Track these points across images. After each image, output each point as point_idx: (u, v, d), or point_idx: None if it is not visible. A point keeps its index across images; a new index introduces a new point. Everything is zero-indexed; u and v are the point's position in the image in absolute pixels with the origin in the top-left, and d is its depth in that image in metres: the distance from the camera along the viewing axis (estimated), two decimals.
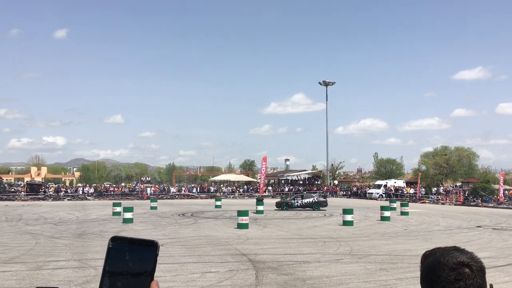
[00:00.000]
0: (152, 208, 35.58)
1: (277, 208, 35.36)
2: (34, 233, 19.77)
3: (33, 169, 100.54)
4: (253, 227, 22.33)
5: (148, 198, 52.08)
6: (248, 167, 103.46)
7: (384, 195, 57.77)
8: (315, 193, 45.13)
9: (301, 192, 51.21)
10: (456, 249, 1.43)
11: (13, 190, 56.66)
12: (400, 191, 58.51)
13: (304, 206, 35.31)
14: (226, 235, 19.28)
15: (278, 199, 43.98)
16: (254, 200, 39.25)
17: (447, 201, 50.30)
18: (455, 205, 47.14)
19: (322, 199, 37.16)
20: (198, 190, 65.03)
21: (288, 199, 39.24)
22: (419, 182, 57.11)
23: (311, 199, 36.02)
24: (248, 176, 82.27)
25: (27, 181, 68.21)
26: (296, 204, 35.57)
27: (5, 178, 73.65)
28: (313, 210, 34.64)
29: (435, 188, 58.05)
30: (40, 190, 56.71)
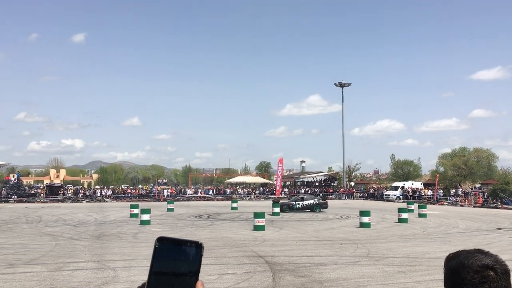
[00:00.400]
0: (169, 210, 35.82)
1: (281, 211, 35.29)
2: (53, 234, 20.08)
3: (52, 172, 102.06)
4: (269, 229, 22.34)
5: (164, 200, 52.44)
6: (263, 169, 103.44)
7: (401, 197, 57.21)
8: (316, 195, 45.06)
9: (301, 194, 51.45)
10: (480, 251, 1.44)
11: (33, 192, 57.56)
12: (417, 193, 57.87)
13: (304, 208, 35.55)
14: (242, 237, 19.32)
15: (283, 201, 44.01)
16: (270, 202, 39.30)
17: (466, 203, 49.58)
18: (474, 207, 46.46)
19: (322, 201, 37.54)
20: (214, 192, 65.25)
21: (289, 201, 39.18)
22: (437, 184, 56.42)
23: (311, 201, 36.29)
24: (264, 178, 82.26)
25: (46, 183, 69.29)
26: (297, 206, 35.66)
27: (25, 181, 74.90)
28: (313, 212, 34.85)
29: (454, 190, 57.28)
30: (59, 192, 57.55)
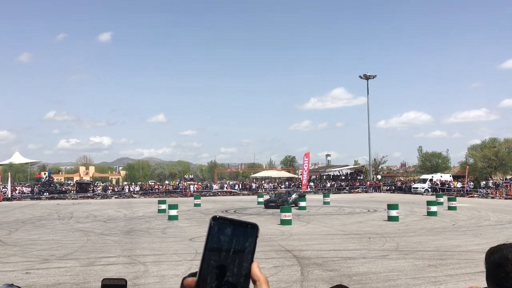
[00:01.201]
0: (196, 205, 36.18)
1: (265, 208, 33.33)
2: (85, 230, 20.54)
3: (82, 169, 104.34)
4: (296, 223, 22.32)
5: (191, 195, 52.99)
6: (289, 163, 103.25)
7: (430, 189, 56.26)
8: (294, 191, 43.57)
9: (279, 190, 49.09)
10: None
11: (63, 189, 58.98)
12: (446, 185, 56.82)
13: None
14: (269, 231, 19.35)
15: (321, 195, 43.24)
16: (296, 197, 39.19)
17: (497, 195, 48.44)
18: (505, 199, 45.35)
19: (299, 195, 36.81)
20: (240, 187, 65.53)
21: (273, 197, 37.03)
22: (467, 176, 55.26)
23: (292, 196, 35.34)
24: (289, 172, 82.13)
25: (76, 180, 70.91)
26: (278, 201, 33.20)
27: (55, 178, 76.79)
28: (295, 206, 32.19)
29: (484, 182, 56.03)
30: (89, 188, 58.84)
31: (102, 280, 1.52)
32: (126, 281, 1.53)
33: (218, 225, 0.96)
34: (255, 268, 0.96)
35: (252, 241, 0.95)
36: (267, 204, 33.92)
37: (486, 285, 1.49)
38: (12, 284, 1.66)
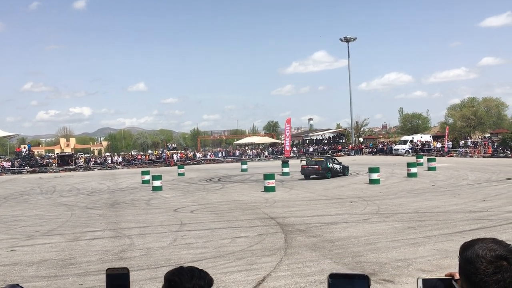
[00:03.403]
0: (179, 174, 36.28)
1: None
2: (68, 204, 20.51)
3: (62, 141, 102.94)
4: (279, 189, 22.60)
5: (175, 164, 53.00)
6: (272, 129, 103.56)
7: (410, 150, 57.22)
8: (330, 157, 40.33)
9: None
10: (494, 241, 1.48)
11: (45, 162, 58.37)
12: (427, 146, 57.82)
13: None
14: (253, 199, 19.59)
15: (304, 161, 42.98)
16: (280, 162, 39.52)
17: (476, 153, 49.56)
18: (483, 157, 46.46)
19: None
20: (224, 154, 65.70)
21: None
22: (447, 136, 56.19)
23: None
24: (272, 137, 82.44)
25: (57, 153, 70.08)
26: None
27: (36, 151, 75.84)
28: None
29: (463, 141, 57.14)
30: (71, 161, 58.31)
31: (107, 270, 1.61)
32: (128, 269, 1.61)
33: (336, 281, 1.13)
34: None
35: None
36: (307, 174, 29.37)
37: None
38: (17, 284, 1.69)
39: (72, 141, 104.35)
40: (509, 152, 46.66)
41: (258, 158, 63.01)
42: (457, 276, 1.65)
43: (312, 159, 32.33)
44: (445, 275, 1.69)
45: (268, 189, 21.86)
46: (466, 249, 1.49)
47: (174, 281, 1.62)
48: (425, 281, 1.65)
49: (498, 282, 1.39)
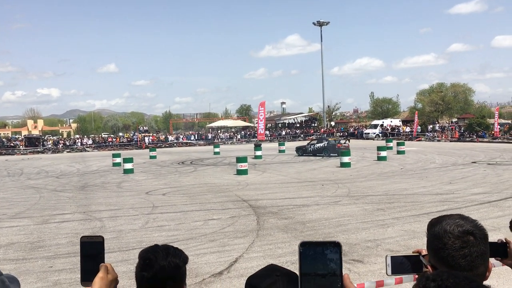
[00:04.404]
0: (151, 157, 35.92)
1: (296, 154, 33.66)
2: (37, 187, 20.08)
3: (30, 122, 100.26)
4: (252, 172, 22.69)
5: (146, 147, 52.41)
6: (244, 112, 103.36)
7: (380, 134, 58.20)
8: (329, 137, 41.72)
9: (319, 137, 47.11)
10: (461, 217, 1.53)
11: (11, 144, 56.79)
12: (396, 130, 58.91)
13: (316, 152, 32.82)
14: (226, 181, 19.62)
15: (277, 143, 43.30)
16: (252, 145, 39.59)
17: (443, 138, 50.80)
18: (450, 141, 47.69)
19: (334, 142, 33.02)
20: (196, 137, 65.34)
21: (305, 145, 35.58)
22: (416, 120, 57.31)
23: (321, 144, 33.05)
24: (245, 121, 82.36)
25: (24, 135, 68.22)
26: (309, 149, 33.51)
27: (2, 132, 73.67)
28: (322, 156, 31.79)
29: (431, 126, 58.42)
30: (39, 143, 56.89)
31: (81, 238, 1.57)
32: (103, 238, 1.58)
33: (307, 250, 1.12)
34: (346, 280, 1.14)
35: (338, 257, 1.13)
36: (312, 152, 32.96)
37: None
38: None
39: (40, 122, 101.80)
40: (475, 137, 48.03)
41: (231, 142, 62.91)
42: (424, 253, 1.70)
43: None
44: (412, 252, 1.74)
45: (240, 172, 21.92)
46: (434, 225, 1.54)
47: (149, 258, 1.62)
48: (393, 258, 1.70)
49: (465, 257, 1.44)
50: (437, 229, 1.51)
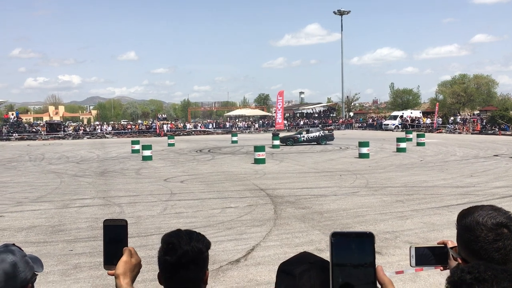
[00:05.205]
0: (169, 145, 36.16)
1: (282, 144, 34.12)
2: (58, 172, 20.40)
3: (51, 108, 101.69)
4: (269, 162, 22.67)
5: (165, 135, 52.78)
6: (262, 101, 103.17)
7: (400, 126, 57.53)
8: (321, 127, 44.47)
9: (307, 126, 50.72)
10: (493, 208, 1.47)
11: (33, 130, 57.76)
12: (416, 122, 58.14)
13: (310, 141, 34.74)
14: (243, 170, 19.64)
15: (286, 134, 43.66)
16: (270, 135, 39.53)
17: (464, 130, 49.97)
18: (472, 134, 46.88)
19: (328, 133, 37.03)
20: (214, 126, 65.51)
21: (294, 134, 38.60)
22: (436, 112, 56.44)
23: (317, 133, 35.33)
24: (263, 110, 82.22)
25: (46, 121, 69.28)
26: (302, 139, 34.94)
27: (24, 118, 74.91)
28: (319, 144, 34.13)
29: (452, 118, 57.49)
30: (60, 129, 57.75)
31: (104, 221, 1.57)
32: (126, 221, 1.57)
33: (339, 240, 1.09)
34: (380, 272, 1.11)
35: (371, 248, 1.10)
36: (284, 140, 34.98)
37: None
38: (13, 244, 1.66)
39: (61, 109, 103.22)
40: (497, 130, 47.11)
41: (249, 131, 62.94)
42: (449, 244, 1.65)
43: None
44: (437, 243, 1.69)
45: (258, 161, 21.91)
46: (465, 216, 1.48)
47: (172, 243, 1.60)
48: (417, 249, 1.66)
49: (499, 250, 1.38)
50: (468, 220, 1.45)
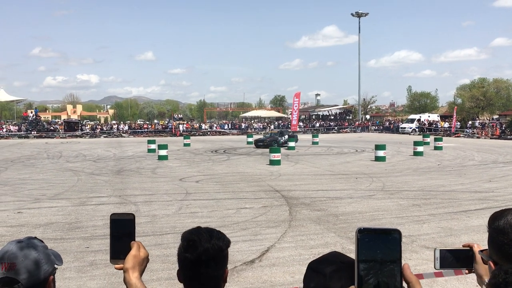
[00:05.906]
0: (185, 145, 36.34)
1: (255, 147, 34.21)
2: (75, 170, 20.64)
3: (69, 107, 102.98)
4: (285, 163, 22.62)
5: (181, 135, 53.07)
6: (278, 103, 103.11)
7: (417, 129, 56.95)
8: (287, 131, 43.56)
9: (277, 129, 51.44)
10: None
11: (51, 128, 58.58)
12: (434, 125, 57.49)
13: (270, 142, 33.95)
14: (258, 171, 19.63)
15: (310, 135, 43.55)
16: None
17: (483, 135, 49.24)
18: (491, 138, 46.16)
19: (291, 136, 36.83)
20: (230, 127, 65.66)
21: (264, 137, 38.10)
22: (455, 116, 55.74)
23: (284, 137, 35.28)
24: (278, 112, 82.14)
25: (64, 119, 70.24)
26: (281, 141, 34.41)
27: (42, 116, 76.00)
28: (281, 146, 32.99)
29: (471, 122, 56.71)
30: (77, 127, 58.49)
31: (111, 215, 1.54)
32: (134, 215, 1.55)
33: (365, 236, 1.07)
34: (407, 270, 1.09)
35: (398, 245, 1.07)
36: (257, 144, 34.72)
37: (484, 246, 1.52)
38: (35, 237, 1.67)
39: (79, 108, 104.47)
40: None
41: (264, 132, 62.92)
42: (475, 248, 1.61)
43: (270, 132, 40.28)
44: (463, 246, 1.66)
45: (273, 162, 21.88)
46: (497, 218, 1.44)
47: (193, 240, 1.59)
48: (442, 251, 1.63)
49: None
50: (501, 223, 1.40)
